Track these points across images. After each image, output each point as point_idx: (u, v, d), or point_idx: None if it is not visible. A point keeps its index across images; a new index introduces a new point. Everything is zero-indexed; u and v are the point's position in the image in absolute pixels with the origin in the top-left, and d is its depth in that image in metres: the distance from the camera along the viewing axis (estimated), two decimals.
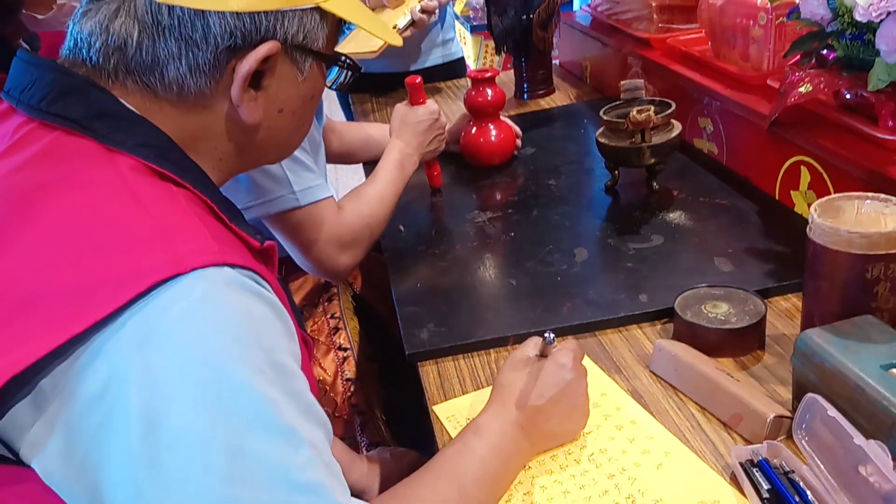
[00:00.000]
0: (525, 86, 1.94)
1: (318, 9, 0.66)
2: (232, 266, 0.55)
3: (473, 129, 1.53)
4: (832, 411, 0.69)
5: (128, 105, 0.62)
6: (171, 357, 0.51)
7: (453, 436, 0.85)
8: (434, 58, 2.20)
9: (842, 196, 0.84)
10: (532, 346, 0.85)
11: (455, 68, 2.25)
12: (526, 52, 1.89)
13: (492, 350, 0.98)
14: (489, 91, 1.50)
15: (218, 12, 0.61)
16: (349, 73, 0.73)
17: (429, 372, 0.97)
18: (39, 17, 0.94)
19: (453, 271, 1.18)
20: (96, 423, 0.50)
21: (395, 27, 1.89)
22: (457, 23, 3.13)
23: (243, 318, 0.54)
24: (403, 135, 1.28)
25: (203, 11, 0.61)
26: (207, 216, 0.61)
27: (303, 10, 0.65)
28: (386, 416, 1.26)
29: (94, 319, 0.50)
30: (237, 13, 0.62)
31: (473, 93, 1.51)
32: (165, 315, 0.51)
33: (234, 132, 0.67)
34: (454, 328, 1.02)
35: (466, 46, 3.40)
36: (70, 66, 0.64)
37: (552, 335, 0.82)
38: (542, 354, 0.83)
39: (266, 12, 0.63)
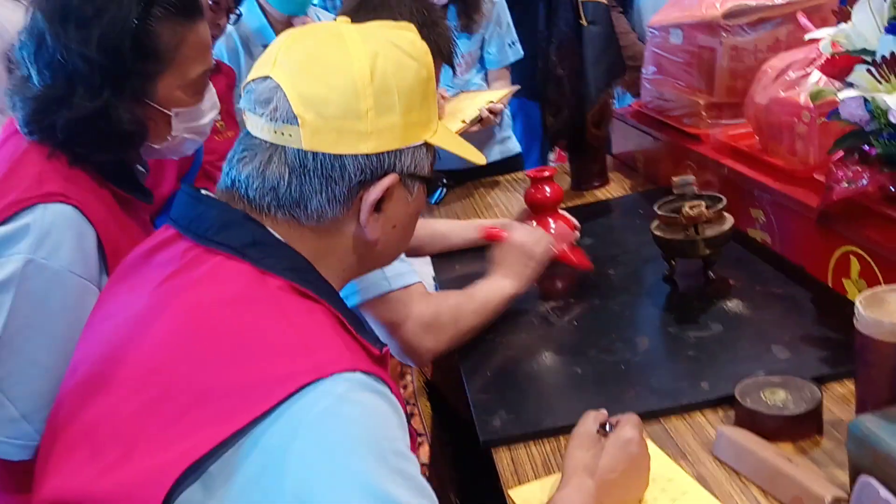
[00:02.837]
0: (580, 179, 2.05)
1: (425, 143, 0.81)
2: (361, 371, 0.67)
3: (533, 223, 1.63)
4: (884, 492, 0.74)
5: (275, 233, 0.76)
6: (316, 446, 0.62)
7: None
8: (493, 154, 2.34)
9: (886, 288, 0.90)
10: (591, 421, 0.94)
11: (513, 163, 2.38)
12: (581, 148, 2.00)
13: (561, 437, 1.05)
14: (547, 188, 1.61)
15: (352, 155, 0.75)
16: (444, 189, 0.86)
17: (502, 457, 1.04)
18: (156, 147, 1.09)
19: (521, 359, 1.26)
20: (255, 501, 0.61)
21: (464, 122, 2.05)
22: None
23: (371, 414, 0.66)
24: (507, 274, 1.34)
25: (340, 155, 0.75)
26: (339, 328, 0.73)
27: (415, 146, 0.79)
28: (460, 500, 1.32)
29: (253, 415, 0.62)
30: (367, 155, 0.76)
31: (532, 190, 1.62)
32: (311, 411, 0.63)
33: (358, 248, 0.81)
34: (524, 415, 1.09)
35: None
36: (228, 201, 0.78)
37: (609, 426, 0.93)
38: (604, 427, 0.93)
39: (388, 152, 0.77)
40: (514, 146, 2.41)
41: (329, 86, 0.74)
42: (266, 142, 0.76)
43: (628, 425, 0.91)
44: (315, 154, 0.75)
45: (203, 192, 0.80)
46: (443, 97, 2.11)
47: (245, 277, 0.72)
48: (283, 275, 0.73)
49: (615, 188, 2.06)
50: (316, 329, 0.70)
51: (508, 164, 2.35)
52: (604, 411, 0.96)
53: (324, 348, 0.68)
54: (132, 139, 1.04)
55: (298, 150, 0.75)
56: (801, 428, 0.96)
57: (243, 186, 0.77)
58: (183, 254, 0.75)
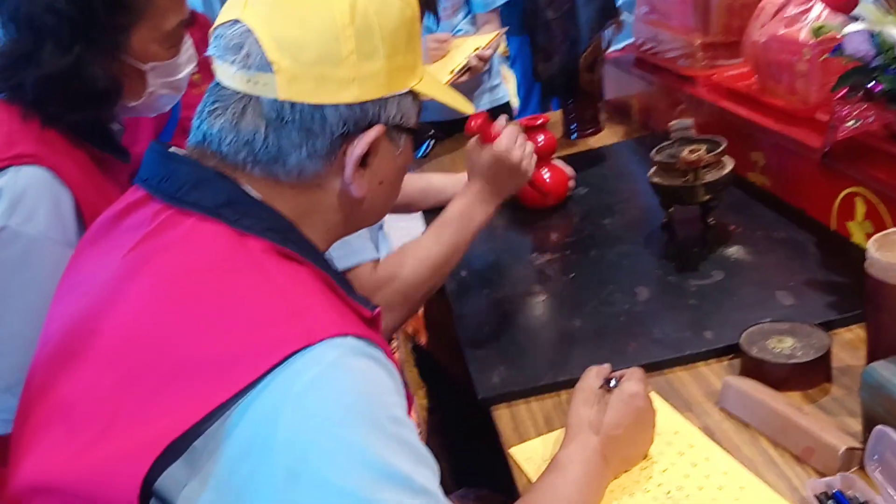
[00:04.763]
0: (574, 126, 2.00)
1: (410, 91, 0.75)
2: (352, 336, 0.63)
3: None
4: None
5: (252, 191, 0.71)
6: (308, 415, 0.58)
7: (532, 477, 0.89)
8: (482, 103, 2.28)
9: None
10: (594, 376, 0.91)
11: (502, 112, 2.31)
12: (573, 94, 1.95)
13: (562, 392, 1.02)
14: (541, 137, 1.56)
15: (333, 105, 0.69)
16: (433, 141, 0.81)
17: (502, 415, 1.01)
18: (130, 104, 1.03)
19: (518, 314, 1.23)
20: (244, 475, 0.58)
21: (452, 72, 1.98)
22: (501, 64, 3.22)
23: (365, 380, 0.62)
24: (473, 181, 1.16)
25: (321, 105, 0.69)
26: (327, 290, 0.68)
27: (400, 94, 0.74)
28: (452, 465, 1.30)
29: (239, 387, 0.58)
30: (349, 104, 0.70)
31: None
32: (300, 379, 0.59)
33: (344, 206, 0.75)
34: (524, 371, 1.06)
35: (510, 85, 3.48)
36: (199, 158, 0.72)
37: (614, 381, 0.90)
38: (609, 383, 0.90)
39: (372, 101, 0.71)
40: (503, 94, 2.35)
41: (306, 28, 0.68)
42: (238, 92, 0.70)
43: (633, 379, 0.88)
44: (293, 104, 0.69)
45: (173, 149, 0.74)
46: (445, 41, 2.04)
47: (222, 240, 0.67)
48: (263, 235, 0.68)
49: (608, 135, 2.01)
50: (302, 293, 0.65)
51: (498, 113, 2.28)
52: (607, 366, 0.93)
53: (312, 313, 0.63)
54: (107, 97, 0.99)
55: (274, 100, 0.69)
56: (809, 376, 0.93)
57: (216, 141, 0.71)
58: (154, 216, 0.70)
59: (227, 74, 0.71)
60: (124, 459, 0.58)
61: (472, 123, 1.14)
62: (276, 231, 0.69)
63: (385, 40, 0.71)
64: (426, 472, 0.63)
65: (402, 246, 1.16)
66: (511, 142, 1.14)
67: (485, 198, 1.14)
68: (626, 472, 0.86)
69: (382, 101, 0.72)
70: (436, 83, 0.81)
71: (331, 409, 0.59)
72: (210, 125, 0.71)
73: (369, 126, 0.72)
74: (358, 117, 0.71)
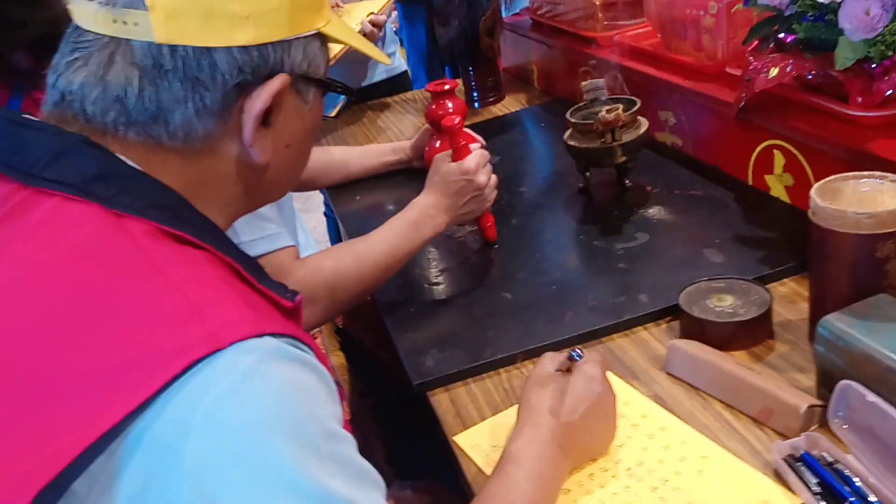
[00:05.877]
0: (475, 94, 1.93)
1: (318, 35, 0.63)
2: (271, 335, 0.51)
3: (437, 143, 1.50)
4: (871, 396, 0.69)
5: (128, 161, 0.57)
6: (219, 442, 0.46)
7: (481, 466, 0.82)
8: (378, 73, 2.18)
9: (837, 178, 0.85)
10: (549, 361, 0.83)
11: (400, 82, 2.23)
12: (473, 61, 1.88)
13: (502, 370, 0.96)
14: (450, 103, 1.48)
15: (224, 48, 0.57)
16: (346, 98, 0.70)
17: (440, 401, 0.93)
18: None
19: (444, 291, 1.16)
20: None
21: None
22: None
23: (290, 389, 0.50)
24: (432, 192, 1.11)
25: (208, 49, 0.56)
26: (234, 279, 0.56)
27: (306, 37, 0.62)
28: (388, 453, 1.21)
29: (126, 410, 0.45)
30: (244, 47, 0.57)
31: (434, 106, 1.48)
32: (208, 395, 0.47)
33: (244, 174, 0.63)
34: (459, 351, 0.99)
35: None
36: (59, 123, 0.58)
37: (579, 351, 0.82)
38: (566, 369, 0.82)
39: (273, 44, 0.59)
40: (399, 63, 2.26)
41: None
42: (104, 36, 0.56)
43: (590, 362, 0.80)
44: (173, 48, 0.56)
45: (25, 115, 0.60)
46: (338, 5, 1.92)
47: (95, 223, 0.54)
48: (145, 215, 0.55)
49: (511, 102, 1.95)
50: (202, 284, 0.52)
51: (396, 84, 2.20)
52: (564, 352, 0.84)
53: (217, 310, 0.50)
54: None
55: (149, 43, 0.55)
56: (753, 333, 0.91)
57: (78, 99, 0.57)
58: (5, 199, 0.56)
59: (87, 14, 0.57)
60: None
61: (448, 122, 1.13)
62: (163, 208, 0.56)
63: None
64: (371, 492, 0.53)
65: (343, 242, 1.09)
66: (480, 164, 1.12)
67: (439, 212, 1.10)
68: (592, 463, 0.79)
69: (285, 45, 0.60)
70: (346, 28, 0.70)
71: (248, 430, 0.47)
72: (69, 80, 0.57)
73: (270, 75, 0.59)
74: (256, 63, 0.58)
